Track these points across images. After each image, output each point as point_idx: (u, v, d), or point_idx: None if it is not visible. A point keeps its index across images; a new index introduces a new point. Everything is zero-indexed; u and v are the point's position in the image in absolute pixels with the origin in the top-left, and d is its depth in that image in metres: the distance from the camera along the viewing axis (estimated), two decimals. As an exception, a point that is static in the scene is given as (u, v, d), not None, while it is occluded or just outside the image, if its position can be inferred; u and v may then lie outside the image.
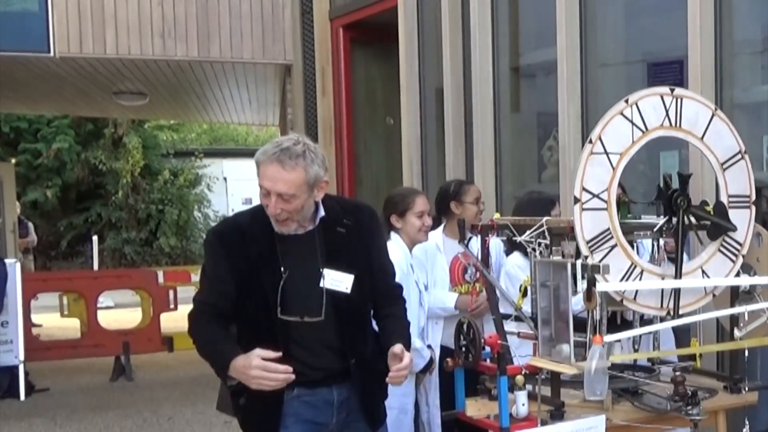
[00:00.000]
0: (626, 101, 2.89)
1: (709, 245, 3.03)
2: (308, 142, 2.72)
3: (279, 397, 2.70)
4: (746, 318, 2.98)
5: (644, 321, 3.06)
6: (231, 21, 8.39)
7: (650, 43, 4.96)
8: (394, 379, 2.71)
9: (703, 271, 2.99)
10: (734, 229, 2.99)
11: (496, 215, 3.54)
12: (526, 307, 3.08)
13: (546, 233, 2.90)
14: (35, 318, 9.43)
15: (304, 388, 2.74)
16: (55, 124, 19.06)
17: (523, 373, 2.70)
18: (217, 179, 22.69)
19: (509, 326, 3.12)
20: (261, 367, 2.55)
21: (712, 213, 3.00)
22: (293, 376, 2.59)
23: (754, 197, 3.07)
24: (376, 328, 2.91)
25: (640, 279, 2.87)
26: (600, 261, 2.76)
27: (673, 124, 2.95)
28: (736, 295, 3.07)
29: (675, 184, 2.97)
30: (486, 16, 5.49)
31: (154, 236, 20.57)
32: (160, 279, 9.17)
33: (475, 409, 2.86)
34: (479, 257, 3.40)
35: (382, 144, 7.74)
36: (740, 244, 3.03)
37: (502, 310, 3.20)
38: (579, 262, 2.68)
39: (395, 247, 3.86)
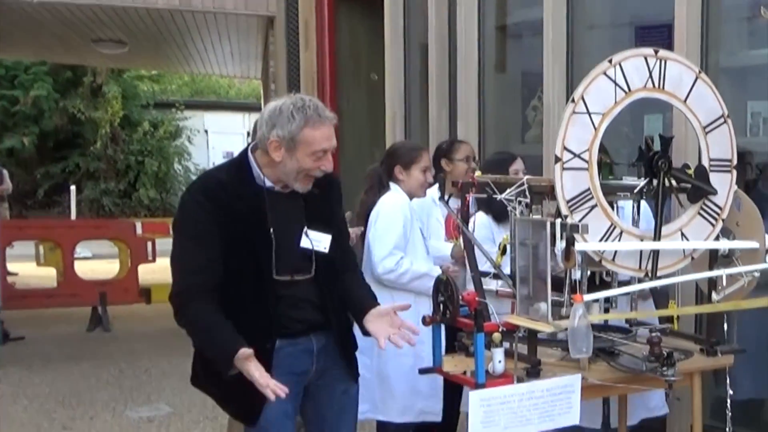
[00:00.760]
0: (610, 61, 2.86)
1: (689, 208, 3.03)
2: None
3: (268, 356, 2.69)
4: (724, 282, 3.00)
5: (622, 283, 3.07)
6: (213, -30, 8.27)
7: (638, 6, 4.91)
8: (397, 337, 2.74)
9: (683, 234, 3.00)
10: (714, 192, 3.00)
11: (478, 173, 3.53)
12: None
13: (527, 192, 2.90)
14: (10, 267, 9.34)
15: (286, 339, 2.78)
16: (32, 71, 18.79)
17: (500, 330, 2.71)
18: (198, 132, 22.51)
19: (488, 284, 3.13)
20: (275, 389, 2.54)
21: (693, 176, 3.01)
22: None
23: (735, 161, 3.07)
24: None
25: (620, 240, 2.88)
26: (580, 221, 2.76)
27: (657, 85, 2.93)
28: (714, 259, 3.08)
29: (657, 146, 2.96)
30: (473, -29, 5.42)
31: (133, 188, 20.44)
32: (139, 230, 9.08)
33: (451, 365, 2.88)
34: (459, 215, 3.41)
35: (365, 99, 7.68)
36: (720, 208, 3.03)
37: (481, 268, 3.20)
38: (558, 222, 2.69)
39: (397, 195, 3.95)
